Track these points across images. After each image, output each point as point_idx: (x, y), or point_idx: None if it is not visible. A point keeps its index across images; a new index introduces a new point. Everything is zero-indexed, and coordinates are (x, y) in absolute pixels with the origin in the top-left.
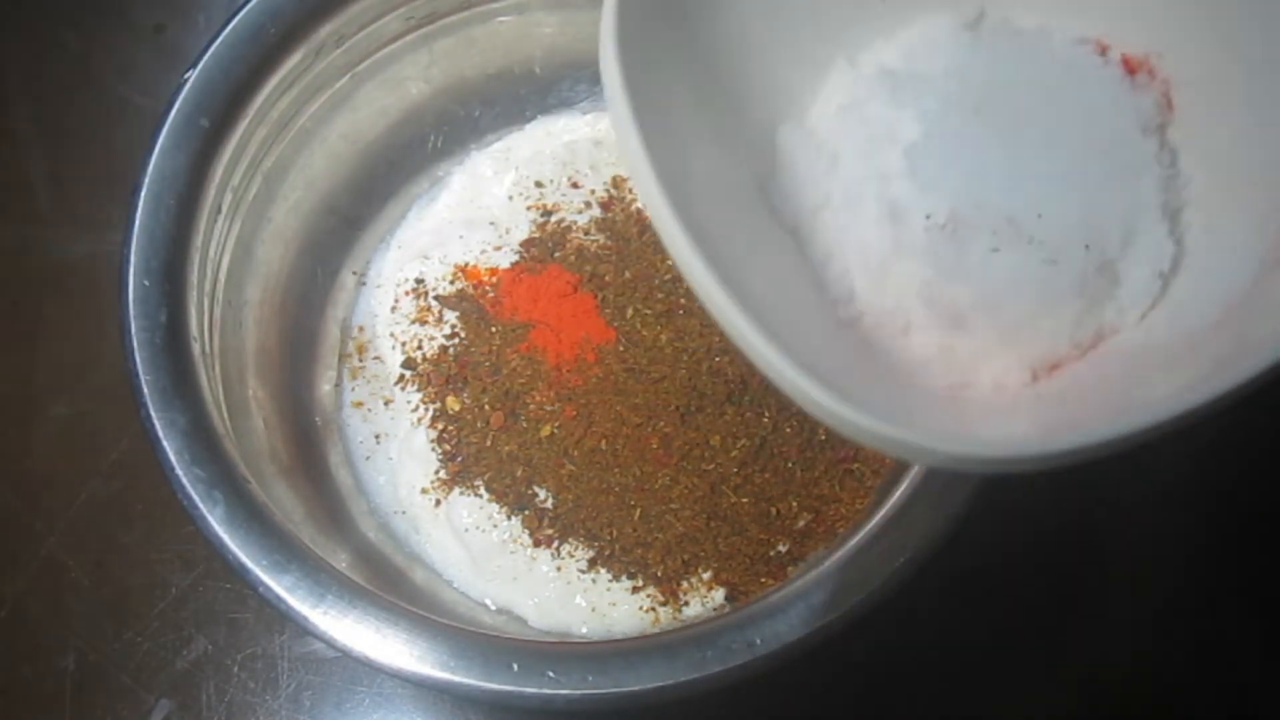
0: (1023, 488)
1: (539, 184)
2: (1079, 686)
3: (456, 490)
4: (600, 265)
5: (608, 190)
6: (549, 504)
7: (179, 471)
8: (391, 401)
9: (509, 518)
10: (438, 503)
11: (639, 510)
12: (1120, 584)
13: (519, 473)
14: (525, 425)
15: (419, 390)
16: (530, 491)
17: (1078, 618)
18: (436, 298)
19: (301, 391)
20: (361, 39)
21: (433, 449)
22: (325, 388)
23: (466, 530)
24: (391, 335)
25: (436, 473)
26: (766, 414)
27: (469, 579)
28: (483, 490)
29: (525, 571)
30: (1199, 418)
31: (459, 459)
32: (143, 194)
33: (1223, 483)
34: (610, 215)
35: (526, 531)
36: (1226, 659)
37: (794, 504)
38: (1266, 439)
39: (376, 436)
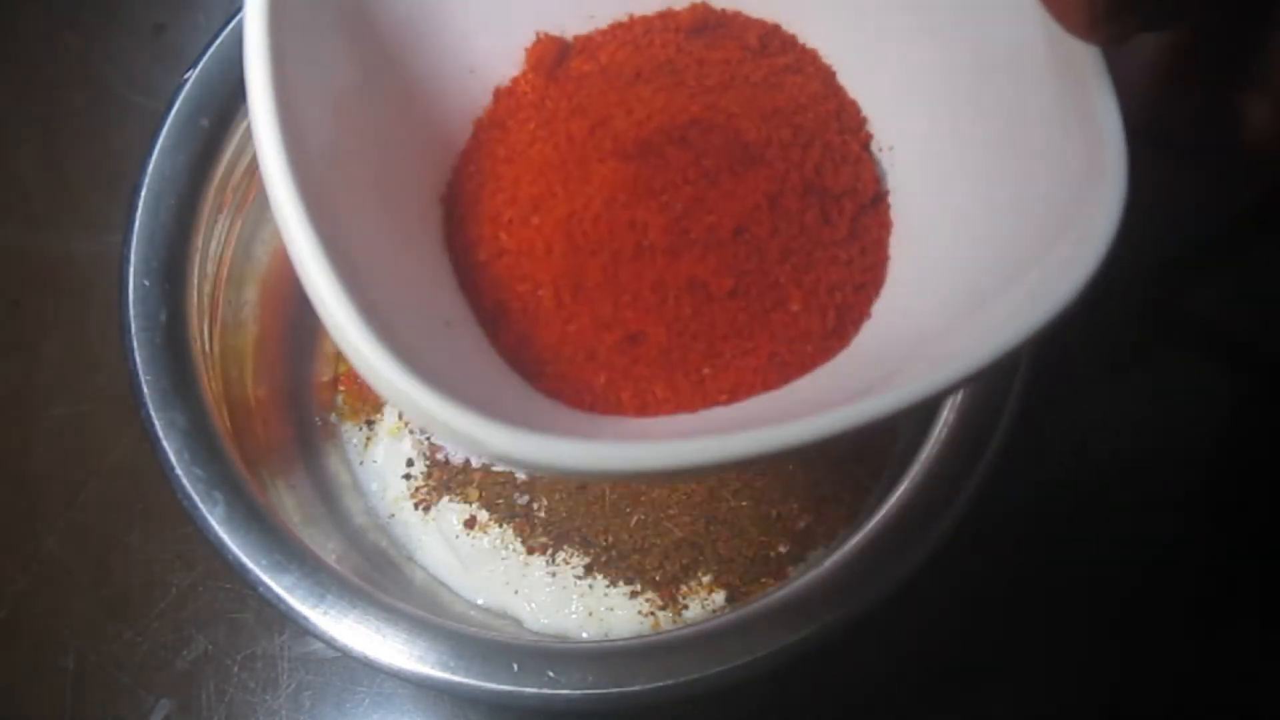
0: (1027, 489)
1: None
2: (1081, 689)
3: (445, 498)
4: None
5: None
6: (541, 513)
7: (179, 471)
8: (382, 404)
9: (500, 525)
10: (427, 508)
11: (635, 517)
12: (1126, 585)
13: (508, 481)
14: None
15: None
16: (521, 499)
17: (1081, 621)
18: None
19: (301, 391)
20: None
21: (423, 454)
22: (324, 388)
23: (457, 536)
24: None
25: (426, 478)
26: None
27: (462, 583)
28: (473, 497)
29: (519, 577)
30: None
31: (447, 465)
32: (143, 194)
33: (1226, 489)
34: None
35: (519, 538)
36: (1228, 662)
37: (795, 506)
38: (1266, 445)
39: (368, 439)
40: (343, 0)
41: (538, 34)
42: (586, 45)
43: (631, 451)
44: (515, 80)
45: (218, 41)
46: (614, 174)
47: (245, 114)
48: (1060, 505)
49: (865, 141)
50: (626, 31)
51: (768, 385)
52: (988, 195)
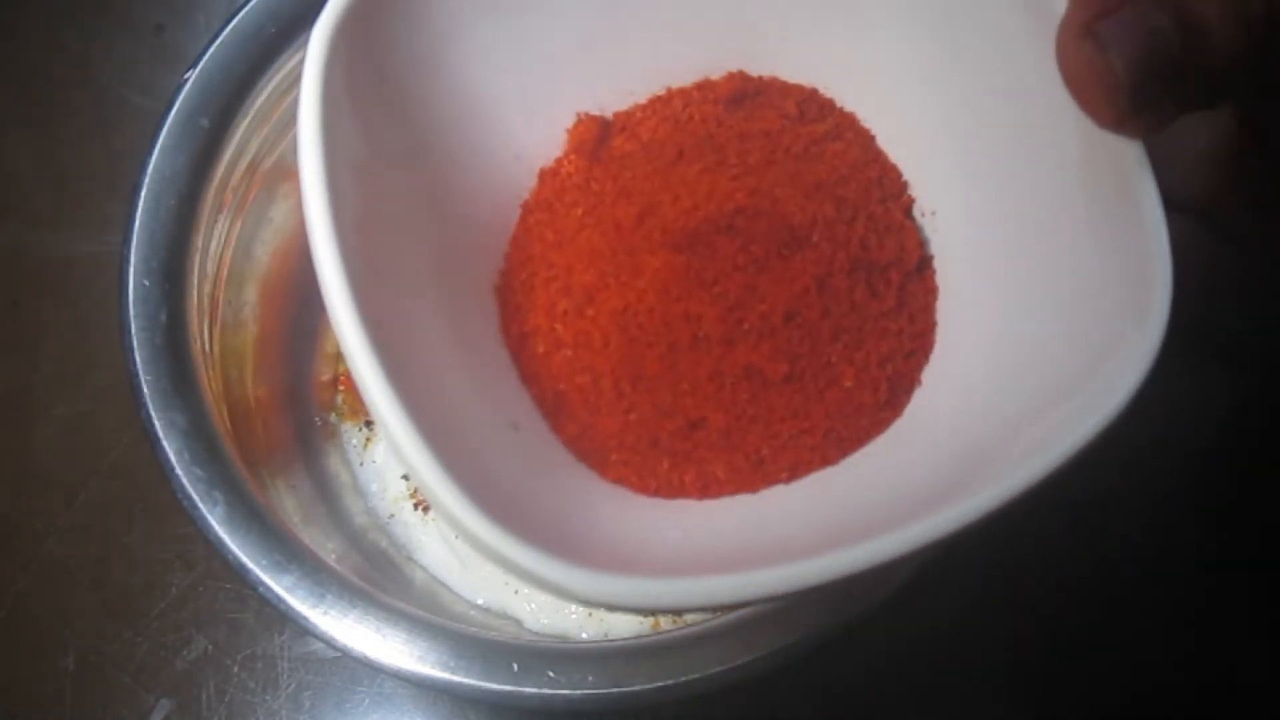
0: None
1: None
2: (1080, 690)
3: None
4: None
5: None
6: None
7: (179, 471)
8: None
9: None
10: (427, 508)
11: None
12: (1127, 586)
13: None
14: None
15: None
16: None
17: (1083, 622)
18: None
19: (301, 391)
20: None
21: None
22: (324, 388)
23: (457, 536)
24: None
25: None
26: None
27: (462, 583)
28: None
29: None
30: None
31: None
32: (143, 194)
33: (1228, 493)
34: None
35: None
36: (1228, 664)
37: None
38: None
39: (368, 440)
40: (385, 98)
41: (578, 114)
42: (627, 122)
43: (727, 583)
44: (559, 161)
45: (218, 41)
46: (665, 266)
47: (245, 114)
48: (1060, 505)
49: (907, 207)
50: (665, 106)
51: (826, 460)
52: (1030, 271)
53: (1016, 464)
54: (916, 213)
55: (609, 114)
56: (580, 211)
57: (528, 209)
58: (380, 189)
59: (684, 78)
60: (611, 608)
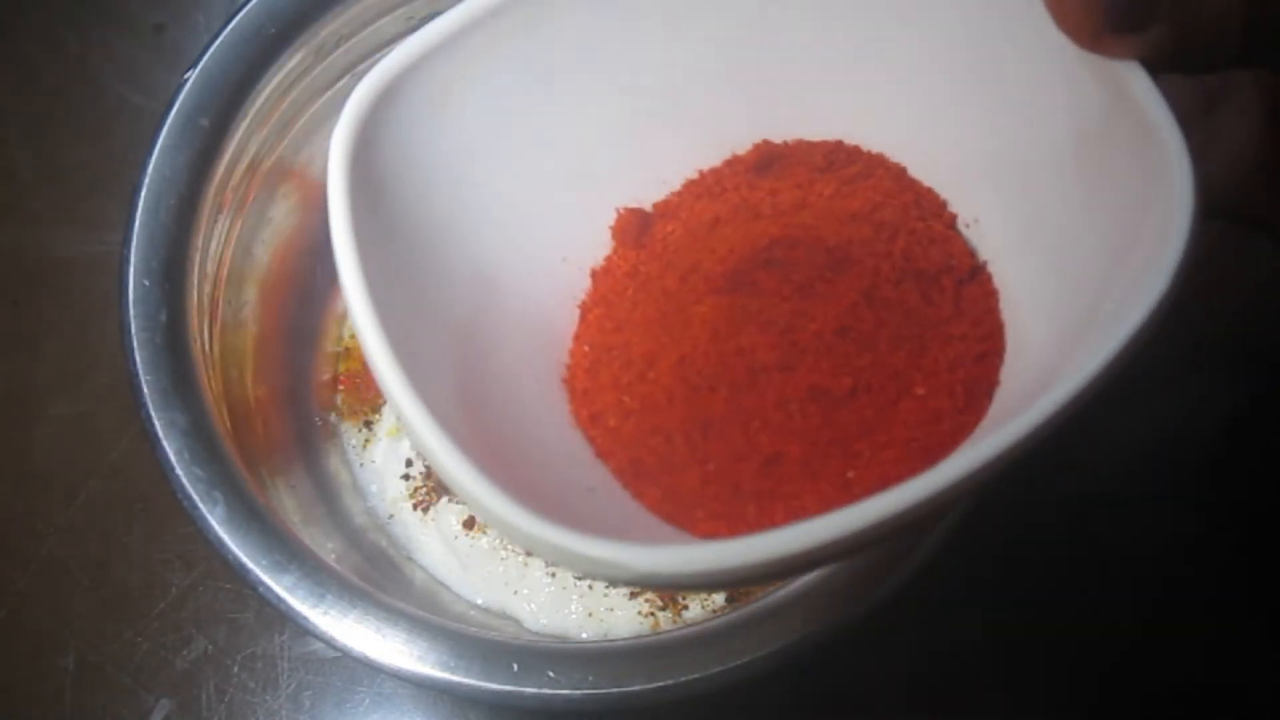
0: (1028, 489)
1: None
2: (1083, 692)
3: (444, 499)
4: None
5: None
6: None
7: (179, 471)
8: (382, 404)
9: None
10: (426, 508)
11: None
12: (1130, 586)
13: None
14: None
15: None
16: None
17: (1086, 623)
18: None
19: (301, 391)
20: (362, 39)
21: (420, 456)
22: (324, 388)
23: (456, 537)
24: None
25: (425, 478)
26: None
27: (461, 584)
28: None
29: (518, 578)
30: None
31: None
32: (143, 194)
33: (1234, 492)
34: None
35: None
36: (1229, 666)
37: None
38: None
39: (367, 440)
40: (417, 216)
41: (618, 210)
42: (665, 209)
43: (779, 538)
44: (608, 259)
45: (218, 41)
46: (712, 311)
47: (245, 114)
48: (1063, 504)
49: (950, 222)
50: (699, 186)
51: (914, 472)
52: (1069, 232)
53: (1063, 379)
54: (960, 226)
55: (648, 206)
56: (631, 292)
57: (585, 308)
58: (431, 299)
59: (713, 158)
60: (688, 583)
